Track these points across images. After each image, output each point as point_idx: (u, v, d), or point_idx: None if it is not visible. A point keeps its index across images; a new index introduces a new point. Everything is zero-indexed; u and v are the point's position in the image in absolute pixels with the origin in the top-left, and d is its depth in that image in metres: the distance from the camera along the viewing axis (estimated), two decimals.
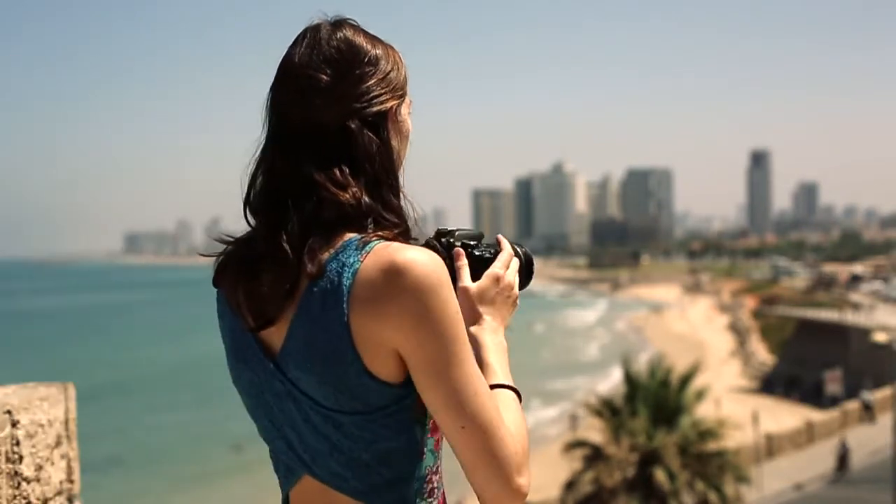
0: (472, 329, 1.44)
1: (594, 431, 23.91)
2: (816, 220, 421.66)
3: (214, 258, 1.43)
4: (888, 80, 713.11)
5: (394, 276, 1.24)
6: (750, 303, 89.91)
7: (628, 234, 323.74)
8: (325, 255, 1.29)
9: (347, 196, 1.31)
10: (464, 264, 1.47)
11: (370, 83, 1.37)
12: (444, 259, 1.33)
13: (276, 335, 1.34)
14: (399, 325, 1.26)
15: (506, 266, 1.50)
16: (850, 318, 57.07)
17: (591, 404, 23.99)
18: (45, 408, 2.26)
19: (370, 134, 1.36)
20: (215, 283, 1.43)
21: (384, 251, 1.27)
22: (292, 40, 1.42)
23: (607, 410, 22.70)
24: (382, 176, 1.36)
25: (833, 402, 40.03)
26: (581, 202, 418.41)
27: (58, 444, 2.32)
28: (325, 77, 1.35)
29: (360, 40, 1.40)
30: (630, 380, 23.30)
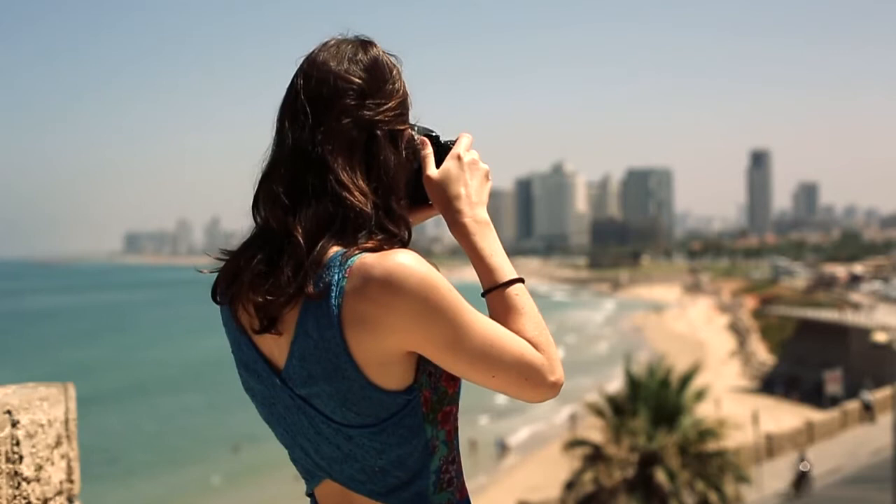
0: (453, 216, 1.46)
1: (594, 431, 23.92)
2: (816, 220, 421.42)
3: (213, 273, 1.44)
4: (888, 80, 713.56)
5: (380, 289, 1.26)
6: (750, 303, 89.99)
7: (628, 234, 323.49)
8: (316, 271, 1.30)
9: (364, 200, 1.34)
10: (429, 153, 1.49)
11: (397, 102, 1.42)
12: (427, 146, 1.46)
13: (277, 351, 1.36)
14: (399, 330, 1.28)
15: (466, 148, 1.51)
16: (850, 318, 57.07)
17: (592, 404, 24.00)
18: (45, 408, 2.26)
19: (392, 147, 1.40)
20: (215, 298, 1.43)
21: (363, 267, 1.28)
22: (317, 45, 1.43)
23: (608, 410, 22.71)
24: (395, 187, 1.39)
25: (833, 402, 40.03)
26: (581, 202, 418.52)
27: (58, 444, 2.32)
28: (359, 82, 1.38)
29: (389, 63, 1.44)
30: (631, 380, 23.32)
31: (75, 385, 2.47)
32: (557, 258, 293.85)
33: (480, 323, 1.33)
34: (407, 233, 1.39)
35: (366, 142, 1.37)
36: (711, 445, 21.92)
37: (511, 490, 29.79)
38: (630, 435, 21.49)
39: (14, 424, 2.13)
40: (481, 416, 43.15)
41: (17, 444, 2.14)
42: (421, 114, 1.50)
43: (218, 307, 1.45)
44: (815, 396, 44.81)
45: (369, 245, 1.32)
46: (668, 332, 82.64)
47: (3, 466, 2.09)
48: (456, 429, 1.42)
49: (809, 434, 34.04)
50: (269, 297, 1.31)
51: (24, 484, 2.15)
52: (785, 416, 40.22)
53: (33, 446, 2.20)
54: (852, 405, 37.16)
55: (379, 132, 1.38)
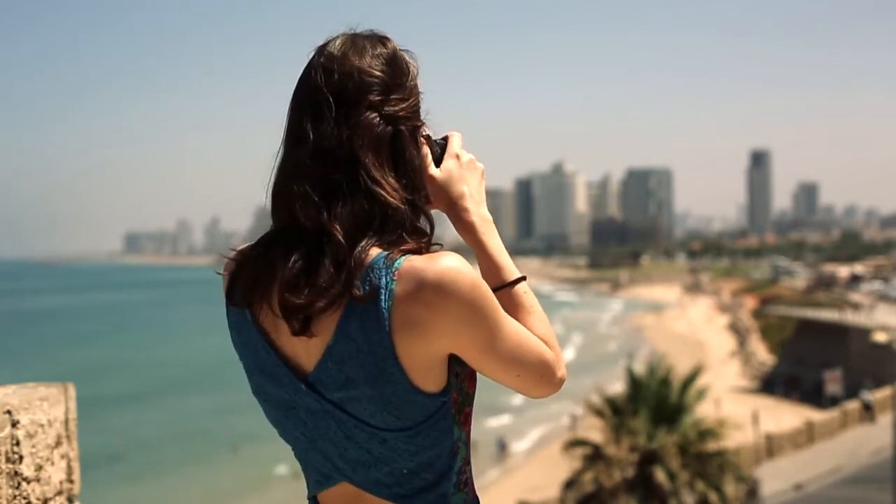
0: (459, 214, 1.47)
1: (594, 431, 23.92)
2: (816, 220, 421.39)
3: (224, 272, 1.40)
4: (888, 80, 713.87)
5: (433, 293, 1.24)
6: (750, 303, 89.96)
7: (628, 234, 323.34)
8: (360, 272, 1.27)
9: (398, 196, 1.32)
10: (428, 153, 1.48)
11: (416, 99, 1.41)
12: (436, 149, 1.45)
13: (305, 354, 1.32)
14: (448, 333, 1.28)
15: (460, 146, 1.52)
16: (850, 318, 57.05)
17: (592, 403, 24.00)
18: (45, 408, 2.25)
19: (414, 143, 1.40)
20: (231, 300, 1.38)
21: (413, 270, 1.26)
22: (327, 39, 1.39)
23: (608, 410, 22.71)
24: (420, 184, 1.39)
25: (833, 402, 40.06)
26: (581, 202, 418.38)
27: (58, 444, 2.31)
28: (383, 76, 1.36)
29: (405, 58, 1.42)
30: (632, 380, 23.31)
31: (75, 385, 2.47)
32: (557, 258, 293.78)
33: (511, 324, 1.35)
34: (431, 232, 1.38)
35: (391, 138, 1.35)
36: (711, 445, 21.93)
37: (511, 490, 29.79)
38: (630, 435, 21.49)
39: (14, 424, 2.13)
40: (481, 416, 43.16)
41: (17, 444, 2.13)
42: (427, 113, 1.47)
43: (218, 307, 1.42)
44: (815, 396, 44.83)
45: (410, 247, 1.30)
46: (668, 332, 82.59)
47: (3, 466, 2.09)
48: (470, 430, 1.42)
49: (809, 434, 34.05)
50: (310, 299, 1.26)
51: (24, 484, 2.15)
52: (785, 416, 40.23)
53: (33, 446, 2.19)
54: (852, 405, 37.18)
55: (403, 128, 1.36)
